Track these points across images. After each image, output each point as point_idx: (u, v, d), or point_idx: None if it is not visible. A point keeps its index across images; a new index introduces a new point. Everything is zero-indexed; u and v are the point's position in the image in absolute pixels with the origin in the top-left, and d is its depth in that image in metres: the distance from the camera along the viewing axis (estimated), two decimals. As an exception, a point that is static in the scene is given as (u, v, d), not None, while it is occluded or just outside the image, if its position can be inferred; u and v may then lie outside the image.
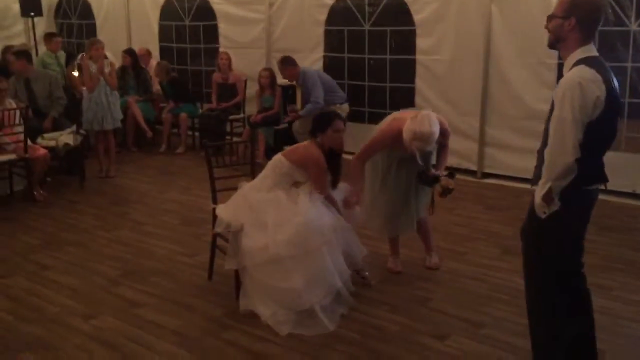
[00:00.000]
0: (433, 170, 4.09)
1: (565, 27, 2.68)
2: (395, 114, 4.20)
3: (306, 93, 6.91)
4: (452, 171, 4.12)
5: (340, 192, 4.06)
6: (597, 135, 2.62)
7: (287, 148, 4.18)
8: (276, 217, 3.70)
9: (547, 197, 2.66)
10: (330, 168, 3.92)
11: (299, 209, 3.74)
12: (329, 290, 3.68)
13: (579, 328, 2.88)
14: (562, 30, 2.70)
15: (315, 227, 3.66)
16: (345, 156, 4.21)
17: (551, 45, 2.81)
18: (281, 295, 3.65)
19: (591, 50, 2.68)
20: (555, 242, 2.78)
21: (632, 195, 5.83)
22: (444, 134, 4.01)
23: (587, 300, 2.92)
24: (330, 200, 3.89)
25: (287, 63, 7.01)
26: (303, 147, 3.97)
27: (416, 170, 4.08)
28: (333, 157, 3.96)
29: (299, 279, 3.60)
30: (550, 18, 2.77)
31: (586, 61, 2.64)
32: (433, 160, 4.19)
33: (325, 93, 6.89)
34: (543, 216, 2.70)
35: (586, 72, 2.59)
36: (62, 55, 8.68)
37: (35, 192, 6.06)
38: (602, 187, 2.79)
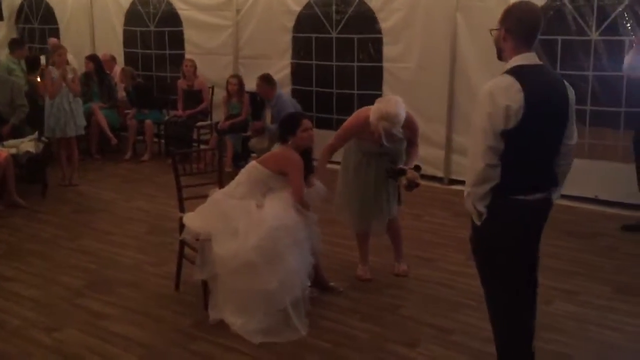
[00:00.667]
0: (400, 165, 4.16)
1: (500, 37, 2.70)
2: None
3: (277, 114, 6.86)
4: (418, 165, 4.15)
5: (317, 192, 4.06)
6: (518, 144, 2.55)
7: (262, 155, 4.15)
8: (246, 223, 3.66)
9: (469, 204, 2.66)
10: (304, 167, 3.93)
11: (267, 213, 3.72)
12: (301, 287, 3.68)
13: (518, 337, 2.79)
14: (499, 41, 2.72)
15: (283, 229, 3.64)
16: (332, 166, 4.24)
17: (498, 57, 2.77)
18: (255, 298, 3.61)
19: (527, 58, 2.64)
20: (489, 251, 2.74)
21: (594, 201, 5.96)
22: (411, 128, 4.12)
23: (528, 316, 2.80)
24: (304, 206, 3.86)
25: (269, 83, 6.96)
26: (280, 153, 3.95)
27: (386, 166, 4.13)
28: (304, 156, 3.95)
29: (272, 279, 3.58)
30: (491, 31, 2.78)
31: (512, 70, 2.61)
32: (404, 158, 4.26)
33: None
34: (478, 223, 2.67)
35: (502, 81, 2.57)
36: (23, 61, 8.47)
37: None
38: (551, 196, 2.71)
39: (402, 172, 4.07)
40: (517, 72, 2.58)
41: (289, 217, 3.72)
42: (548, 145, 2.68)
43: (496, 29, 2.72)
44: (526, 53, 2.64)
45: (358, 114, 4.20)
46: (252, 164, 3.98)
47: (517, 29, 2.64)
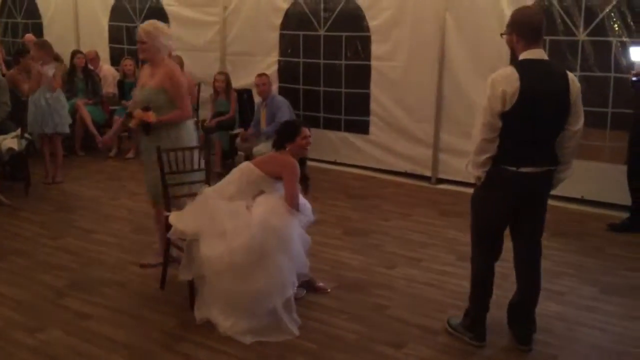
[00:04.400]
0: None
1: (511, 41, 3.25)
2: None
3: (271, 113, 6.80)
4: (147, 106, 4.16)
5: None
6: (513, 124, 3.12)
7: (257, 157, 4.10)
8: (234, 225, 3.62)
9: (469, 169, 3.32)
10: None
11: (255, 214, 3.68)
12: (291, 287, 3.66)
13: (482, 276, 3.48)
14: (512, 43, 3.26)
15: (271, 229, 3.60)
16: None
17: (512, 57, 3.37)
18: (244, 299, 3.57)
19: (532, 53, 3.17)
20: (478, 206, 3.41)
21: (581, 201, 5.98)
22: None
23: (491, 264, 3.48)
24: (294, 201, 3.79)
25: (270, 81, 6.98)
26: (278, 157, 3.91)
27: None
28: (300, 164, 3.93)
29: (260, 279, 3.55)
30: (502, 35, 3.34)
31: (516, 62, 3.19)
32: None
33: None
34: (478, 183, 3.32)
35: (504, 71, 3.16)
36: None
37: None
38: (528, 170, 3.20)
39: (129, 114, 4.20)
40: (519, 64, 3.16)
41: (277, 217, 3.67)
42: (543, 128, 3.17)
43: (506, 34, 3.28)
44: (532, 49, 3.16)
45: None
46: (247, 164, 3.93)
47: (522, 30, 3.18)
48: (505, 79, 3.10)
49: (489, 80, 3.15)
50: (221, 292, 3.62)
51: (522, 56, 3.18)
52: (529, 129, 3.15)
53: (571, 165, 3.34)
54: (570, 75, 3.22)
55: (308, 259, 3.89)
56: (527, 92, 3.07)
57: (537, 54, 3.17)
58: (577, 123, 3.23)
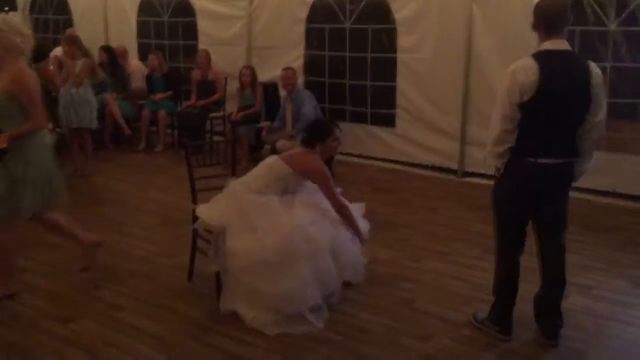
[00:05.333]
0: None
1: (535, 29, 3.21)
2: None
3: (297, 107, 6.81)
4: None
5: (357, 209, 4.05)
6: (531, 115, 3.11)
7: (286, 152, 4.11)
8: (267, 221, 3.62)
9: (488, 159, 3.33)
10: None
11: (292, 215, 3.67)
12: (314, 298, 3.61)
13: (506, 271, 3.46)
14: (536, 32, 3.22)
15: (305, 235, 3.59)
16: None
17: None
18: (267, 299, 3.59)
19: (553, 44, 3.13)
20: (498, 198, 3.39)
21: (613, 194, 5.88)
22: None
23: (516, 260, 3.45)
24: (344, 212, 3.82)
25: (296, 74, 6.99)
26: (308, 157, 3.87)
27: None
28: (326, 162, 3.95)
29: (283, 285, 3.53)
30: (530, 24, 3.28)
31: (536, 53, 3.15)
32: None
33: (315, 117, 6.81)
34: (497, 174, 3.35)
35: (523, 62, 3.12)
36: None
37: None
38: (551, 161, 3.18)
39: None
40: (538, 55, 3.13)
41: (314, 226, 3.66)
42: (563, 119, 3.14)
43: (532, 23, 3.22)
44: (553, 40, 3.13)
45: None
46: (275, 160, 3.91)
47: (542, 20, 3.15)
48: (524, 70, 3.08)
49: (509, 71, 3.14)
50: (244, 286, 3.63)
51: (543, 46, 3.15)
52: (548, 120, 3.13)
53: (592, 157, 3.29)
54: (592, 65, 3.17)
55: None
56: (546, 83, 3.05)
57: (558, 44, 3.13)
58: (598, 114, 3.18)
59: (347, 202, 3.93)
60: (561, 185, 3.31)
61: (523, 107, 3.11)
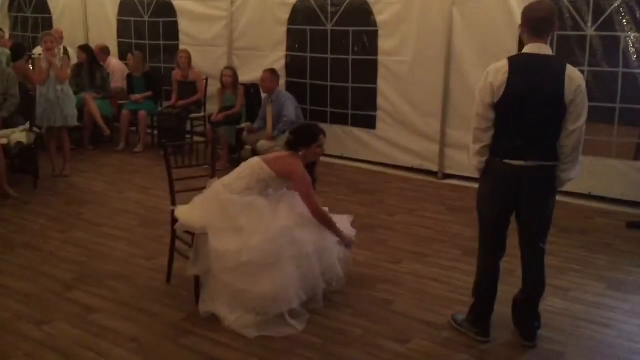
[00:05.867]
0: None
1: (521, 33, 3.27)
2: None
3: (277, 108, 6.83)
4: None
5: (343, 220, 4.05)
6: (501, 116, 3.19)
7: (268, 154, 4.10)
8: (252, 222, 3.61)
9: (468, 157, 3.42)
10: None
11: (278, 216, 3.67)
12: (299, 299, 3.61)
13: (486, 273, 3.47)
14: (521, 35, 3.28)
15: (290, 237, 3.59)
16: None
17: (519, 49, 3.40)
18: (249, 299, 3.57)
19: (532, 48, 3.17)
20: (479, 198, 3.43)
21: (589, 197, 5.95)
22: None
23: (494, 264, 3.44)
24: (323, 218, 3.82)
25: (276, 76, 7.03)
26: (291, 161, 3.87)
27: None
28: (309, 167, 3.95)
29: (268, 285, 3.53)
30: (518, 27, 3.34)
31: (513, 56, 3.27)
32: None
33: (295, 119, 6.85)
34: (477, 174, 3.41)
35: (498, 63, 3.20)
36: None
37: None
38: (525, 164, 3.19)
39: None
40: (513, 58, 3.22)
41: (300, 228, 3.66)
42: (532, 123, 3.16)
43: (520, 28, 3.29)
44: (534, 44, 3.17)
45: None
46: (257, 161, 3.88)
47: (526, 24, 3.19)
48: (495, 72, 3.16)
49: (484, 73, 3.23)
50: (226, 287, 3.62)
51: (524, 50, 3.20)
52: (517, 122, 3.16)
53: (574, 165, 3.25)
54: (571, 72, 3.12)
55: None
56: (513, 86, 3.11)
57: (537, 48, 3.16)
58: (575, 122, 3.15)
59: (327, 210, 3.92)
60: (541, 189, 3.28)
61: (495, 108, 3.17)
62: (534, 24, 3.16)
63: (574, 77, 3.12)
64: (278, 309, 3.55)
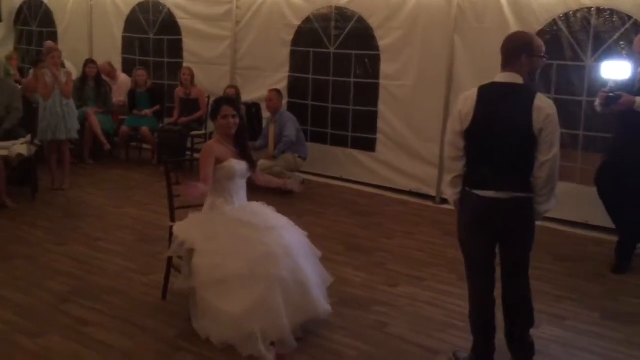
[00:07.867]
0: None
1: None
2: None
3: (280, 128, 6.94)
4: None
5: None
6: (471, 144, 3.18)
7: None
8: (233, 238, 3.60)
9: (444, 187, 3.30)
10: (240, 152, 3.93)
11: (261, 235, 3.62)
12: (272, 325, 3.41)
13: (478, 313, 3.34)
14: None
15: (273, 257, 3.51)
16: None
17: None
18: (221, 318, 3.45)
19: (501, 77, 3.17)
20: (458, 228, 3.37)
21: (585, 226, 5.97)
22: None
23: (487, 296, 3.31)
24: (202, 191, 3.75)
25: (281, 96, 7.17)
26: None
27: None
28: (238, 140, 3.94)
29: (239, 304, 3.39)
30: None
31: (484, 84, 3.22)
32: None
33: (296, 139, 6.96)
34: (454, 206, 3.36)
35: (469, 92, 3.23)
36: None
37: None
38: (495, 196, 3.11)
39: None
40: (483, 87, 3.21)
41: (280, 255, 3.56)
42: (500, 153, 3.11)
43: None
44: (504, 72, 3.17)
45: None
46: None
47: (501, 54, 3.21)
48: (464, 99, 3.20)
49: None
50: (208, 305, 3.51)
51: (495, 79, 3.21)
52: (484, 151, 3.15)
53: (549, 198, 3.12)
54: (539, 102, 3.03)
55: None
56: (479, 115, 3.12)
57: (505, 77, 3.15)
58: (547, 153, 3.04)
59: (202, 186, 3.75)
60: (516, 222, 3.18)
61: (464, 136, 3.18)
62: (504, 53, 3.18)
63: (543, 106, 3.03)
64: (253, 328, 3.36)
